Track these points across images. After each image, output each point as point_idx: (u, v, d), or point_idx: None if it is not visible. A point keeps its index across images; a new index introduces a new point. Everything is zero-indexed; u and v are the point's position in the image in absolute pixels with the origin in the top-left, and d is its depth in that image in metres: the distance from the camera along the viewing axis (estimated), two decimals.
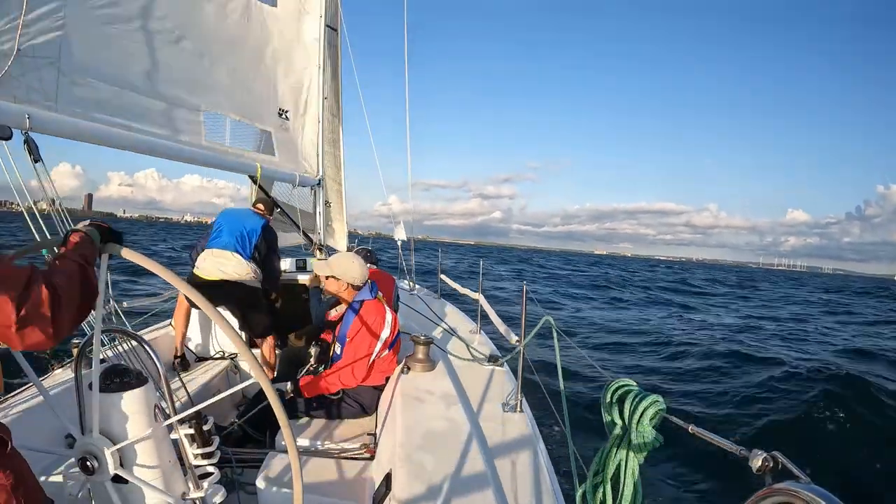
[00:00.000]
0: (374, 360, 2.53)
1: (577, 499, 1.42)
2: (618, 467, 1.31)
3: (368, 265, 3.32)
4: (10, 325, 0.89)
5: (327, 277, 2.67)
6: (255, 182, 3.50)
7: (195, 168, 3.36)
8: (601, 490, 1.34)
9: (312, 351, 2.79)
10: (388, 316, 2.60)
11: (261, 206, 3.66)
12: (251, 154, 3.27)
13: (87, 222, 1.30)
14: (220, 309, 3.53)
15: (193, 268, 3.24)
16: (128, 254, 1.25)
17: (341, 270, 2.64)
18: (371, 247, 4.30)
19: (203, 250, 3.25)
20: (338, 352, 2.63)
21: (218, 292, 3.09)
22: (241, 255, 3.21)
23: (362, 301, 2.61)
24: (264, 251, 3.38)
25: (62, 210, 2.05)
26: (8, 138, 1.61)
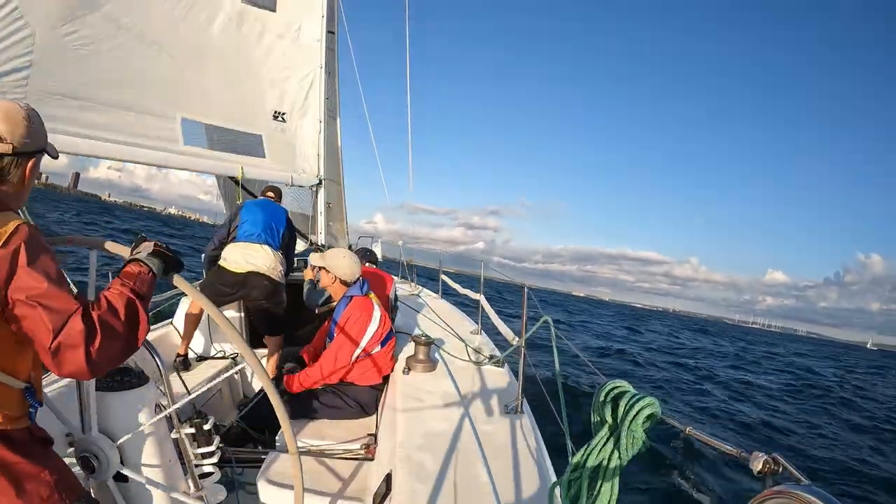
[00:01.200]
0: (359, 356, 2.52)
1: (549, 491, 1.41)
2: (599, 465, 1.30)
3: (367, 264, 3.33)
4: (46, 353, 0.91)
5: (320, 268, 2.73)
6: (237, 184, 3.51)
7: None
8: (577, 485, 1.33)
9: (285, 368, 2.72)
10: (377, 312, 2.60)
11: (271, 193, 3.65)
12: (235, 157, 3.30)
13: (151, 247, 1.16)
14: (233, 307, 3.55)
15: (219, 260, 3.22)
16: (178, 282, 1.18)
17: (333, 264, 2.69)
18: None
19: (225, 243, 3.26)
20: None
21: (246, 284, 3.13)
22: (271, 246, 3.23)
23: (351, 297, 2.66)
24: (288, 240, 3.43)
25: None
26: None
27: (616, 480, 1.28)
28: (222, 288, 3.18)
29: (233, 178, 3.50)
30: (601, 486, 1.28)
